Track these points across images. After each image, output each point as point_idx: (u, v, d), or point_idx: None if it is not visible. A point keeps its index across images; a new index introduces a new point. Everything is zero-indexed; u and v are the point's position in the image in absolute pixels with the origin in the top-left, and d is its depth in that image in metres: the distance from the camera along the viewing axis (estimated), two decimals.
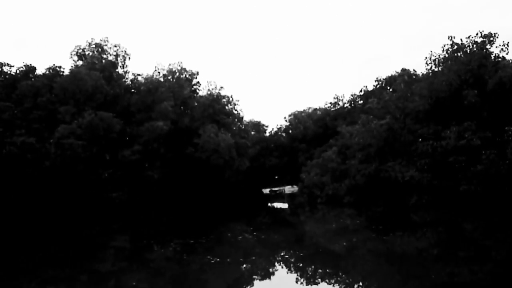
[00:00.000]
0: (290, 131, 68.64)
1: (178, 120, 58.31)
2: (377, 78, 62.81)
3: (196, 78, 67.99)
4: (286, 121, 69.08)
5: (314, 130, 65.27)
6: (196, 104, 61.69)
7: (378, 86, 62.42)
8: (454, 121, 33.85)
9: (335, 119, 66.39)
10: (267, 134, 73.77)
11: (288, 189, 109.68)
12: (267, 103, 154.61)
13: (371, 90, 60.12)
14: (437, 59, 41.29)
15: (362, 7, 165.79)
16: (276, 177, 72.20)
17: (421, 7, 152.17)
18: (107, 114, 46.81)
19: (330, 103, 67.92)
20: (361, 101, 61.53)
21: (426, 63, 42.21)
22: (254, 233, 27.63)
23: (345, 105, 63.36)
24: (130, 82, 61.37)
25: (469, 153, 30.44)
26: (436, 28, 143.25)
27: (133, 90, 59.37)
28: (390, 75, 61.46)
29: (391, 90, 47.17)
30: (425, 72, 42.86)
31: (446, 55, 40.71)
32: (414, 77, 44.97)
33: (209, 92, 63.92)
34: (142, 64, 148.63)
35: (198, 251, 21.93)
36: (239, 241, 25.16)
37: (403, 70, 61.34)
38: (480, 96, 34.02)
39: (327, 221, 37.91)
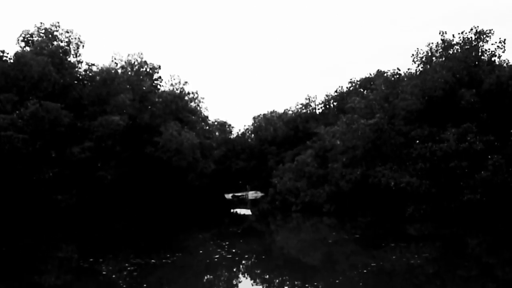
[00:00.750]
0: (259, 133, 64.47)
1: (137, 116, 53.01)
2: (350, 79, 59.85)
3: (157, 72, 62.63)
4: (254, 122, 64.85)
5: (285, 132, 61.40)
6: (157, 99, 56.40)
7: (351, 88, 59.40)
8: (450, 122, 30.70)
9: (306, 121, 62.89)
10: (234, 135, 69.34)
11: (251, 194, 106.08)
12: (233, 103, 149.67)
13: (346, 91, 56.91)
14: (425, 56, 38.43)
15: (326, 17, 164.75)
16: (243, 181, 67.78)
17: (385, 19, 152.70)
18: (54, 105, 41.03)
19: (302, 104, 64.35)
20: (335, 103, 58.19)
21: (413, 61, 39.41)
22: (232, 250, 23.00)
23: (319, 106, 59.88)
24: (83, 72, 55.24)
25: (472, 158, 27.20)
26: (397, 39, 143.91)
27: (86, 81, 53.35)
28: (364, 76, 58.62)
29: (369, 90, 43.89)
30: (413, 71, 39.93)
31: (436, 53, 37.90)
32: (397, 76, 41.80)
33: (172, 87, 58.89)
34: (98, 55, 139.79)
35: (165, 280, 16.51)
36: (217, 263, 19.88)
37: (379, 71, 58.75)
38: (477, 95, 31.00)
39: (303, 231, 34.17)
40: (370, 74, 58.45)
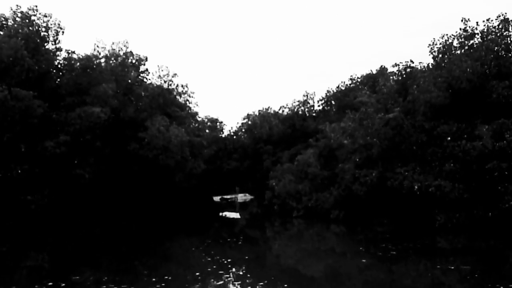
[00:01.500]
0: (253, 131, 60.28)
1: (121, 110, 48.53)
2: (351, 76, 56.15)
3: (144, 64, 57.92)
4: (248, 119, 60.64)
5: (281, 130, 57.43)
6: (143, 92, 51.91)
7: (352, 85, 55.67)
8: (479, 117, 26.91)
9: (304, 119, 59.05)
10: (226, 133, 65.10)
11: (240, 197, 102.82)
12: (224, 101, 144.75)
13: (348, 88, 53.15)
14: (443, 46, 34.76)
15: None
16: (235, 183, 63.51)
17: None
18: (26, 93, 36.52)
19: (299, 101, 60.40)
20: (336, 100, 54.37)
21: (430, 52, 35.70)
22: (223, 259, 19.32)
23: (319, 103, 55.99)
24: (62, 61, 50.47)
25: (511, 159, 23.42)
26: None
27: (65, 70, 48.64)
28: (366, 73, 55.01)
29: (380, 84, 40.14)
30: (427, 63, 36.40)
31: (456, 43, 34.36)
32: (410, 69, 38.07)
33: (159, 79, 54.54)
34: (80, 43, 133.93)
35: None
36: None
37: (382, 67, 55.44)
38: (510, 88, 27.29)
39: (305, 239, 30.28)
40: (371, 71, 54.85)
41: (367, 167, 30.02)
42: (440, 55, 35.25)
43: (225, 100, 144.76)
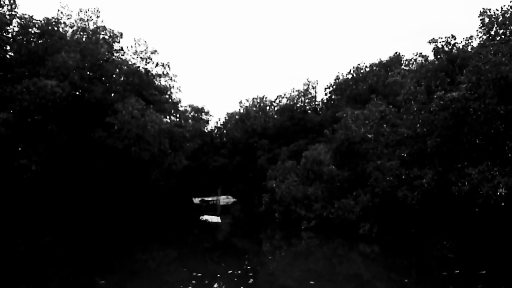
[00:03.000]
0: (246, 122, 52.01)
1: (86, 89, 39.79)
2: (358, 65, 48.56)
3: (118, 42, 48.71)
4: (240, 108, 52.49)
5: (279, 122, 49.49)
6: (116, 70, 43.13)
7: (359, 73, 48.07)
8: None
9: (304, 112, 51.24)
10: (213, 125, 56.72)
11: (222, 199, 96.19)
12: (211, 90, 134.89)
13: (361, 75, 45.56)
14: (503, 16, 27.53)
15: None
16: (223, 182, 55.33)
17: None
18: None
19: (298, 91, 52.48)
20: (346, 88, 46.67)
21: (482, 25, 28.44)
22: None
23: (327, 91, 48.07)
24: (17, 29, 41.44)
25: None
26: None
27: (19, 37, 39.65)
28: (382, 60, 47.52)
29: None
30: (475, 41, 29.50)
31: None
32: (452, 46, 30.62)
33: (135, 56, 45.86)
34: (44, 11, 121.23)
35: None
36: None
37: (397, 54, 48.34)
38: None
39: (317, 259, 22.98)
40: (380, 59, 47.40)
41: (418, 166, 22.25)
42: (498, 28, 27.87)
43: (211, 90, 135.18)
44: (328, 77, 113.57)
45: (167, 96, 48.50)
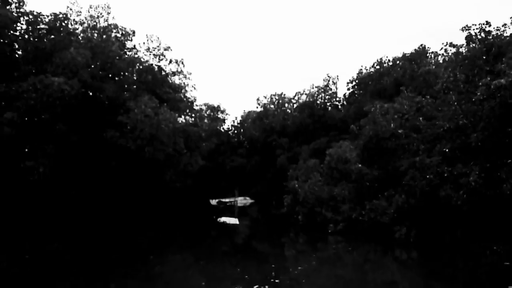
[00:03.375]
0: (264, 120, 49.88)
1: (97, 87, 38.13)
2: (380, 60, 45.87)
3: (131, 40, 47.02)
4: (258, 106, 50.38)
5: (299, 119, 47.15)
6: (129, 68, 41.41)
7: (383, 67, 45.40)
8: None
9: (324, 108, 48.88)
10: (229, 124, 54.77)
11: (240, 201, 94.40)
12: (227, 89, 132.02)
13: (385, 69, 43.02)
14: None
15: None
16: (240, 183, 53.24)
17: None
18: None
19: (317, 87, 50.14)
20: (370, 82, 44.15)
21: None
22: None
23: (349, 86, 45.66)
24: (25, 26, 40.03)
25: None
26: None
27: (27, 35, 38.21)
28: (406, 53, 44.83)
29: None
30: None
31: None
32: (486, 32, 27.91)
33: (148, 53, 44.12)
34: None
35: None
36: None
37: (422, 46, 45.65)
38: None
39: (347, 266, 20.71)
40: (404, 53, 44.70)
41: (462, 162, 19.82)
42: None
43: (227, 88, 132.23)
44: (348, 72, 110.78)
45: (181, 95, 46.64)
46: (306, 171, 34.11)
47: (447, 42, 27.56)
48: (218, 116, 53.63)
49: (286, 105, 50.08)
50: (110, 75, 40.92)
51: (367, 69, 44.60)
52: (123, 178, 39.03)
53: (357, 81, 43.65)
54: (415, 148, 23.70)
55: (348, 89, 45.39)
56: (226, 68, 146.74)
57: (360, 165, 27.15)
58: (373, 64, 44.04)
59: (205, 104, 53.58)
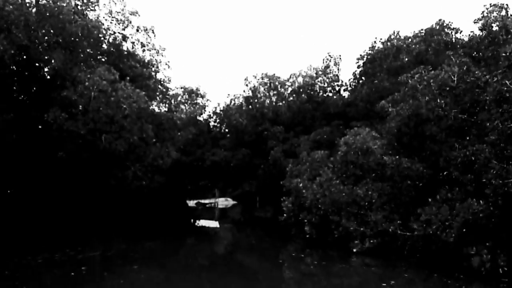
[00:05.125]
0: (254, 105, 41.69)
1: (42, 57, 29.84)
2: (397, 32, 38.08)
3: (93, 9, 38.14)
4: (246, 88, 42.15)
5: (296, 104, 39.15)
6: (79, 32, 32.74)
7: (401, 40, 37.63)
8: None
9: (324, 91, 41.29)
10: (210, 111, 46.44)
11: (221, 202, 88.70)
12: (209, 71, 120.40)
13: (403, 44, 35.46)
14: None
15: None
16: (224, 181, 45.27)
17: None
18: None
19: (315, 68, 42.38)
20: (376, 61, 36.49)
21: None
22: None
23: (359, 64, 37.77)
24: None
25: None
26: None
27: None
28: (422, 29, 37.36)
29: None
30: None
31: None
32: None
33: (109, 17, 35.64)
34: None
35: None
36: None
37: (441, 21, 38.50)
38: None
39: None
40: (422, 29, 37.31)
41: None
42: None
43: (209, 72, 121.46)
44: (350, 54, 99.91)
45: (152, 72, 38.30)
46: (311, 166, 26.25)
47: None
48: (197, 101, 45.41)
49: (280, 88, 42.08)
50: (59, 43, 32.38)
51: (381, 40, 36.86)
52: (74, 173, 30.79)
53: (369, 56, 36.02)
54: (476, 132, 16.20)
55: (359, 66, 37.63)
56: (207, 47, 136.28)
57: (393, 158, 19.40)
58: (389, 36, 36.39)
59: (181, 87, 45.34)
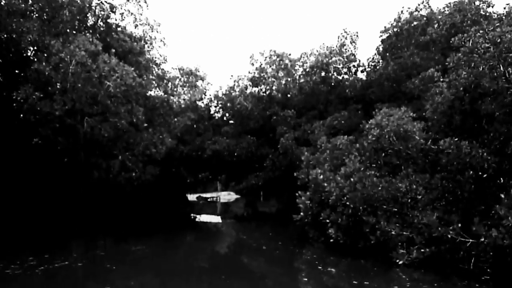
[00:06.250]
0: (261, 86, 37.10)
1: (14, 28, 25.54)
2: (427, 1, 33.30)
3: None
4: (252, 67, 37.41)
5: (309, 85, 34.61)
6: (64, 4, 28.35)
7: (424, 15, 32.88)
8: None
9: (338, 72, 37.03)
10: (211, 94, 41.85)
11: (224, 196, 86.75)
12: (209, 55, 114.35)
13: (428, 18, 30.86)
14: None
15: None
16: (227, 173, 41.13)
17: None
18: None
19: (329, 47, 37.79)
20: (403, 34, 31.87)
21: None
22: None
23: (383, 37, 33.10)
24: None
25: None
26: None
27: None
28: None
29: None
30: None
31: None
32: None
33: None
34: None
35: None
36: None
37: None
38: None
39: None
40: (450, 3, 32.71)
41: None
42: None
43: (210, 54, 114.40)
44: (369, 32, 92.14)
45: (146, 48, 33.84)
46: (331, 154, 21.90)
47: None
48: (197, 84, 40.93)
49: (290, 67, 37.51)
50: (34, 12, 27.97)
51: (408, 10, 32.15)
52: (51, 162, 26.64)
53: (395, 29, 31.42)
54: None
55: (383, 40, 33.02)
56: (207, 24, 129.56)
57: (455, 139, 14.99)
58: (417, 6, 31.79)
59: (179, 68, 40.83)
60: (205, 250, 22.94)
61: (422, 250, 14.23)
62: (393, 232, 15.05)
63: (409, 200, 16.10)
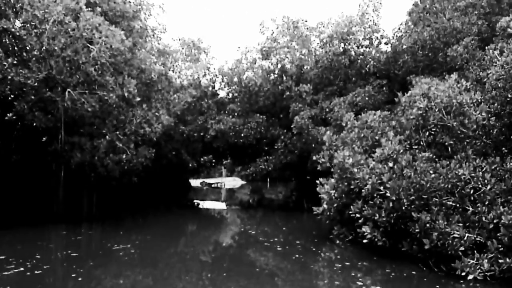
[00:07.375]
0: (272, 58, 32.97)
1: None
2: None
3: None
4: (262, 37, 33.38)
5: (328, 58, 30.52)
6: None
7: None
8: None
9: (359, 45, 33.16)
10: (215, 69, 37.82)
11: (229, 182, 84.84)
12: (213, 28, 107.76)
13: None
14: None
15: None
16: (233, 156, 37.68)
17: None
18: None
19: (348, 16, 33.69)
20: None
21: None
22: None
23: (417, 2, 28.85)
24: None
25: None
26: None
27: None
28: None
29: None
30: None
31: None
32: None
33: None
34: None
35: None
36: None
37: None
38: None
39: None
40: None
41: None
42: None
43: (214, 22, 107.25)
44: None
45: (142, 14, 29.92)
46: (359, 134, 18.12)
47: None
48: (200, 58, 37.03)
49: (306, 37, 33.42)
50: None
51: None
52: (28, 141, 23.17)
53: None
54: None
55: (415, 3, 28.90)
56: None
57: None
58: None
59: (180, 39, 36.92)
60: (207, 240, 20.03)
61: (501, 261, 10.46)
62: (456, 234, 11.27)
63: (471, 192, 12.33)
